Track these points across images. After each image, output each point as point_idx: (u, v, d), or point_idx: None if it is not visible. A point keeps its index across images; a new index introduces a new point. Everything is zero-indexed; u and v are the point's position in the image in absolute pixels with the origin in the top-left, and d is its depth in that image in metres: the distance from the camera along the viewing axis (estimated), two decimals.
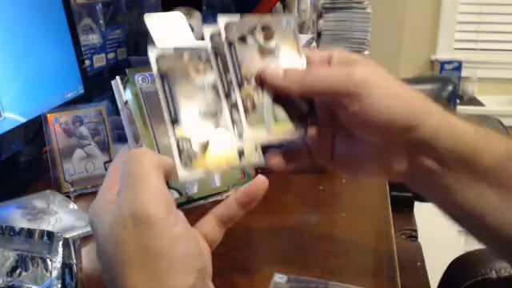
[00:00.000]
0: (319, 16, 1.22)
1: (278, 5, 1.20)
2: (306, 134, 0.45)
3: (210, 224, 0.40)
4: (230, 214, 0.40)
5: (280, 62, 0.44)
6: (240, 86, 0.41)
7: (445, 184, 0.43)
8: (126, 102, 0.40)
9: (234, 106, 0.41)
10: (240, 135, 0.40)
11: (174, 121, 0.38)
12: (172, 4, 1.26)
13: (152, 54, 0.38)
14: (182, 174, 0.37)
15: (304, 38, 1.04)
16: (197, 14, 1.27)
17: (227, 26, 0.42)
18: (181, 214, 0.35)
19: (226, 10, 1.24)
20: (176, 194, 0.38)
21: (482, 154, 0.41)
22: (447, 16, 2.71)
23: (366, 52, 1.18)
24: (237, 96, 0.41)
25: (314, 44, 1.06)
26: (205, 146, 0.38)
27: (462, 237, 1.60)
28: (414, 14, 2.68)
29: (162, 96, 0.38)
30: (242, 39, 0.42)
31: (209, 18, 1.26)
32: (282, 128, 0.43)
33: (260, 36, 0.43)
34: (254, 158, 0.41)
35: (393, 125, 0.41)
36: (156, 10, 1.21)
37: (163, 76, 0.39)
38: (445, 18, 2.72)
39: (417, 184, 0.45)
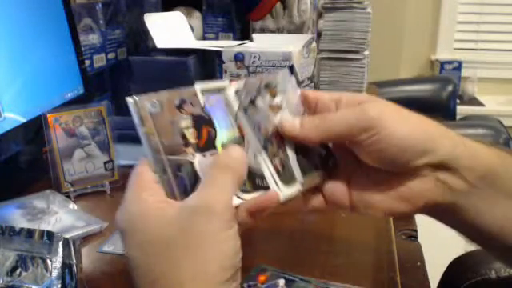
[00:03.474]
0: (319, 16, 1.22)
1: (278, 5, 1.20)
2: (329, 176, 0.47)
3: None
4: (239, 222, 0.41)
5: (289, 114, 0.46)
6: (266, 148, 0.43)
7: (472, 205, 0.43)
8: None
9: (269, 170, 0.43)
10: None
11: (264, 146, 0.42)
12: (172, 4, 1.26)
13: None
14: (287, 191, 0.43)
15: (304, 38, 1.04)
16: (197, 14, 1.27)
17: (237, 93, 0.44)
18: None
19: (226, 10, 1.24)
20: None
21: (498, 170, 0.43)
22: (447, 16, 2.71)
23: (366, 52, 1.18)
24: (266, 159, 0.43)
25: (314, 44, 1.06)
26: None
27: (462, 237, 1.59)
28: (414, 14, 2.68)
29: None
30: (252, 103, 0.44)
31: (209, 17, 1.26)
32: (311, 179, 0.45)
33: (266, 95, 0.45)
34: None
35: (413, 150, 0.42)
36: (156, 10, 1.21)
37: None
38: (445, 18, 2.72)
39: (444, 211, 0.45)
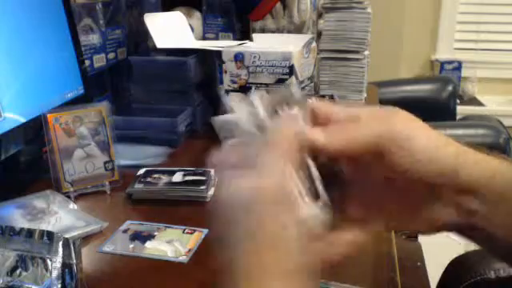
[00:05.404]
0: (319, 16, 1.22)
1: (278, 5, 1.20)
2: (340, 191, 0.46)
3: None
4: None
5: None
6: None
7: (492, 224, 0.42)
8: None
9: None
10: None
11: None
12: (172, 4, 1.26)
13: None
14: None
15: (304, 37, 1.04)
16: (197, 14, 1.27)
17: (261, 99, 0.45)
18: None
19: (226, 10, 1.24)
20: None
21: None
22: (447, 16, 2.72)
23: (366, 52, 1.18)
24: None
25: (314, 44, 1.06)
26: None
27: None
28: (414, 14, 2.68)
29: None
30: (275, 111, 0.45)
31: (209, 17, 1.26)
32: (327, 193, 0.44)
33: (285, 107, 0.46)
34: None
35: (435, 168, 0.41)
36: (156, 10, 1.21)
37: None
38: (445, 18, 2.72)
39: (462, 230, 0.44)
